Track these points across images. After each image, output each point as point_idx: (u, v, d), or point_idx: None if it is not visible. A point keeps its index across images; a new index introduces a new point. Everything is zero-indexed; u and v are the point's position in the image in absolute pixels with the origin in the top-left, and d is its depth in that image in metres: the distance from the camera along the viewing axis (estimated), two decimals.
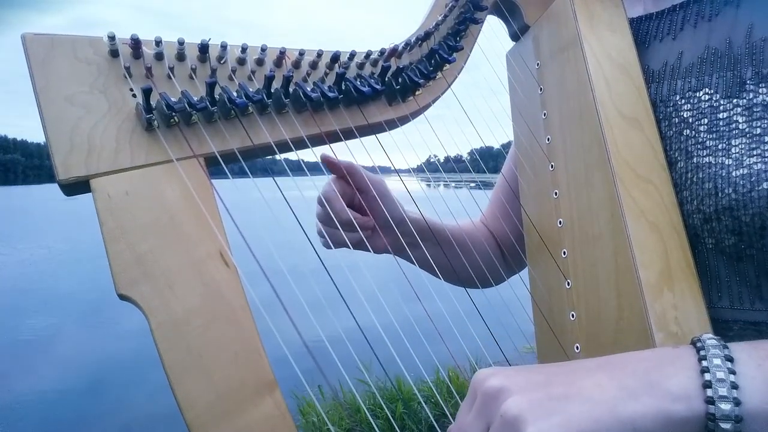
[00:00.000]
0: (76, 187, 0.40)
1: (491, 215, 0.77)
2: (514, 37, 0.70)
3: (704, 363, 0.33)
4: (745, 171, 0.42)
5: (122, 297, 0.38)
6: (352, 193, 0.62)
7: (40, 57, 0.40)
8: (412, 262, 0.66)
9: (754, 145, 0.43)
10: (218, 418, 0.38)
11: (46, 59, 0.40)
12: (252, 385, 0.39)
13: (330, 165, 0.59)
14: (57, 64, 0.40)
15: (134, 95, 0.42)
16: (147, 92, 0.39)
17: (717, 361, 0.32)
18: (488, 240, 0.75)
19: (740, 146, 0.43)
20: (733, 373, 0.32)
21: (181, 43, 0.43)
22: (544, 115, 0.62)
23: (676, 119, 0.49)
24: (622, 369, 0.34)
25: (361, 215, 0.61)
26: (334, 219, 0.58)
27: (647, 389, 0.32)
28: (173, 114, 0.42)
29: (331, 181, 0.61)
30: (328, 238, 0.61)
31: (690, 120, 0.48)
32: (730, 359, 0.33)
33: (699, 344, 0.35)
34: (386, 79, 0.53)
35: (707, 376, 0.32)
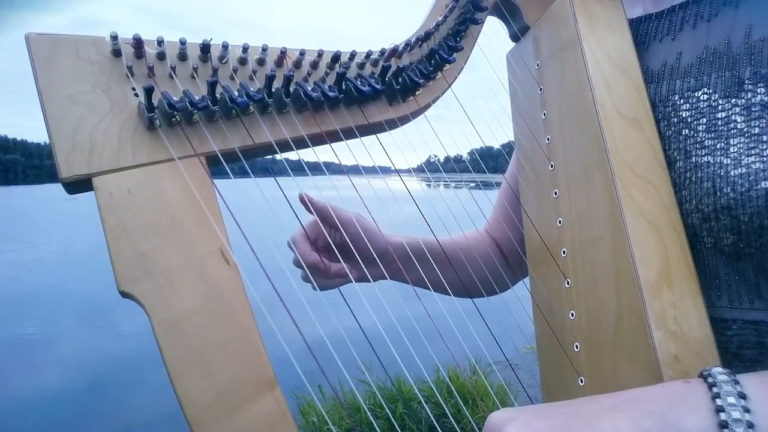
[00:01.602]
0: (79, 185, 0.40)
1: (495, 221, 0.76)
2: (514, 37, 0.70)
3: (718, 402, 0.33)
4: (744, 170, 0.42)
5: (123, 294, 0.38)
6: (331, 232, 0.62)
7: (43, 56, 0.40)
8: (426, 287, 0.66)
9: (752, 145, 0.43)
10: (219, 415, 0.38)
11: (49, 59, 0.40)
12: (252, 383, 0.39)
13: (305, 205, 0.58)
14: (60, 64, 0.40)
15: (136, 94, 0.42)
16: (149, 91, 0.39)
17: (731, 400, 0.33)
18: (493, 249, 0.75)
19: (738, 146, 0.44)
20: (748, 411, 0.32)
21: (182, 43, 0.44)
22: (544, 115, 0.63)
23: (675, 119, 0.49)
24: (638, 409, 0.34)
25: (339, 254, 0.61)
26: (302, 261, 0.59)
27: (665, 431, 0.32)
28: (175, 113, 0.42)
29: (306, 224, 0.61)
30: (312, 282, 0.61)
31: (689, 120, 0.48)
32: (743, 396, 0.33)
33: (710, 380, 0.35)
34: (386, 79, 0.53)
35: (723, 416, 0.32)
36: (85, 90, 0.41)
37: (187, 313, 0.39)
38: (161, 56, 0.44)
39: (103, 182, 0.40)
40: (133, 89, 0.42)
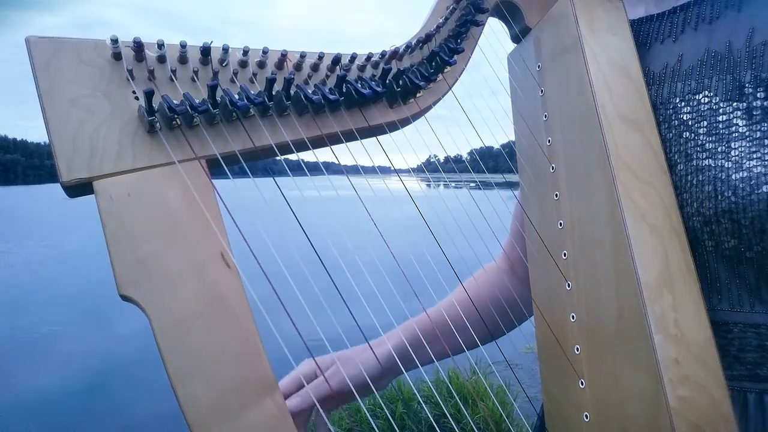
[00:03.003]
0: (79, 188, 0.40)
1: (509, 245, 0.75)
2: (516, 39, 0.70)
3: None
4: (745, 174, 0.42)
5: (124, 297, 0.38)
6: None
7: (43, 60, 0.40)
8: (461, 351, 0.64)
9: (754, 149, 0.43)
10: (219, 418, 0.38)
11: (50, 62, 0.40)
12: (253, 386, 0.39)
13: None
14: (61, 67, 0.40)
15: (136, 98, 0.42)
16: (149, 95, 0.39)
17: None
18: (510, 278, 0.73)
19: (740, 149, 0.43)
20: None
21: (183, 45, 0.44)
22: (545, 116, 0.63)
23: (676, 121, 0.49)
24: None
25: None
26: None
27: None
28: (175, 116, 0.42)
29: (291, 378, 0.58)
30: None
31: (689, 122, 0.48)
32: None
33: None
34: (387, 81, 0.53)
35: None
36: (85, 93, 0.41)
37: (187, 317, 0.39)
38: (162, 59, 0.44)
39: (104, 186, 0.39)
40: (134, 92, 0.42)
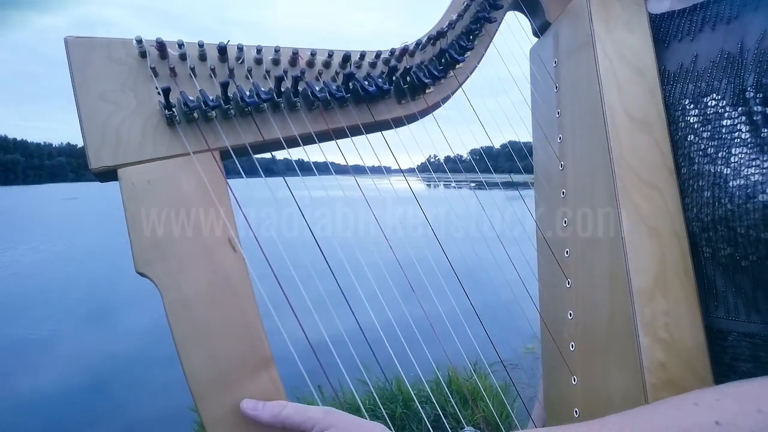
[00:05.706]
0: (106, 175, 0.45)
1: None
2: (536, 33, 0.70)
3: None
4: (742, 182, 0.41)
5: (140, 274, 0.43)
6: None
7: (79, 58, 0.45)
8: None
9: (753, 156, 0.41)
10: (219, 388, 0.42)
11: (84, 60, 0.45)
12: (251, 361, 0.43)
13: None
14: (93, 65, 0.45)
15: (159, 93, 0.46)
16: (166, 92, 0.43)
17: None
18: None
19: (740, 156, 0.42)
20: None
21: (201, 45, 0.47)
22: (558, 113, 0.62)
23: (683, 123, 0.48)
24: None
25: None
26: None
27: None
28: (191, 111, 0.46)
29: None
30: None
31: (695, 126, 0.47)
32: None
33: None
34: (394, 78, 0.54)
35: None
36: (114, 89, 0.45)
37: (195, 295, 0.43)
38: (183, 57, 0.48)
39: (127, 173, 0.44)
40: (157, 88, 0.46)
